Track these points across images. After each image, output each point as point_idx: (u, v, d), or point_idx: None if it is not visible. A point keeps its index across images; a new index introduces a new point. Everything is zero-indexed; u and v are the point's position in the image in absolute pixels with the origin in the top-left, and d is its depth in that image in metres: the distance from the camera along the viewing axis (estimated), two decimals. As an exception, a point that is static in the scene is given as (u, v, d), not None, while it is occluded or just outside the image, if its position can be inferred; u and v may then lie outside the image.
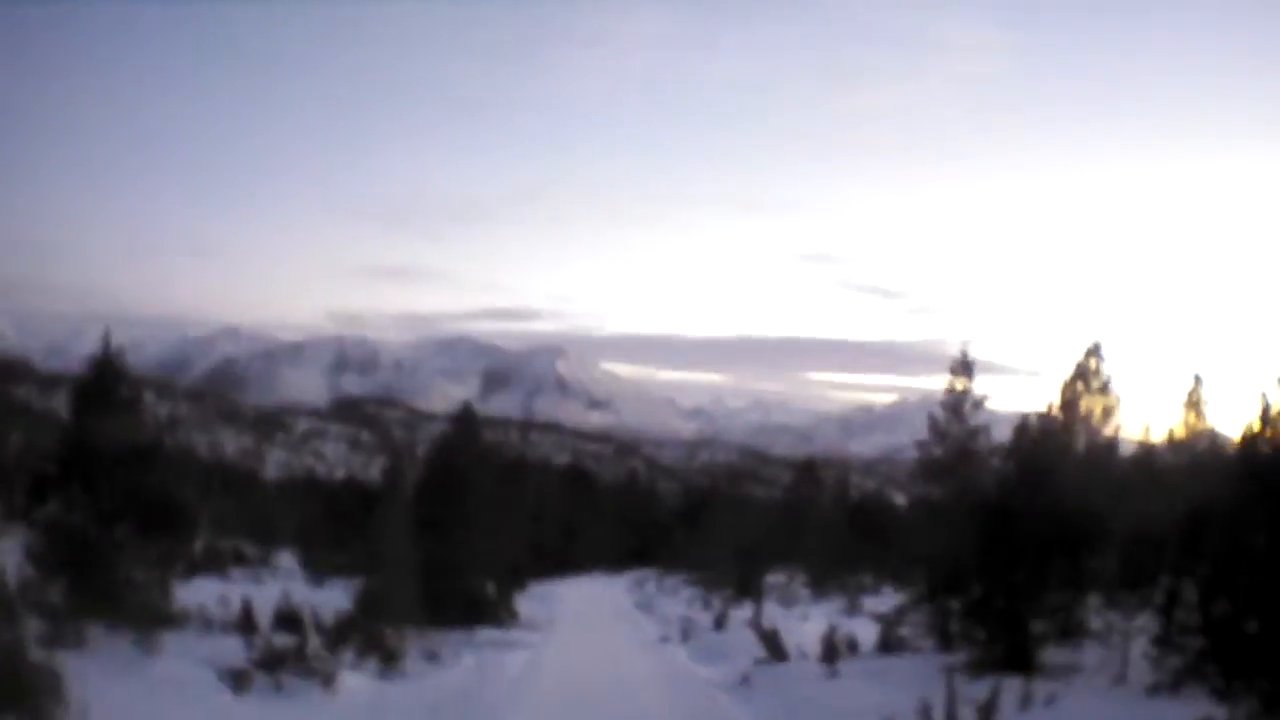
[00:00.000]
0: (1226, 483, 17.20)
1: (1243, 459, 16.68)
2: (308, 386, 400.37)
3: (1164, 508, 18.70)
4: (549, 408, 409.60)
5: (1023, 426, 27.04)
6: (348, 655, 21.07)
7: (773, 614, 35.58)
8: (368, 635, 23.24)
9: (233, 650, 19.23)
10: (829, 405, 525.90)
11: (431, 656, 23.44)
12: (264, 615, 25.61)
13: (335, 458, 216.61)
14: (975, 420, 25.15)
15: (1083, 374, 22.08)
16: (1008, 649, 19.70)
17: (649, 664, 27.06)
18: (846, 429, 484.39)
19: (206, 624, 23.28)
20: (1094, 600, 20.26)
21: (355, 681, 19.02)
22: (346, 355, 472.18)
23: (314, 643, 20.33)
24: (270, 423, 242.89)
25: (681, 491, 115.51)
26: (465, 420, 37.12)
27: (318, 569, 45.10)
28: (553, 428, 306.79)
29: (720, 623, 33.22)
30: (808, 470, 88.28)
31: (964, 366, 25.24)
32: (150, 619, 20.10)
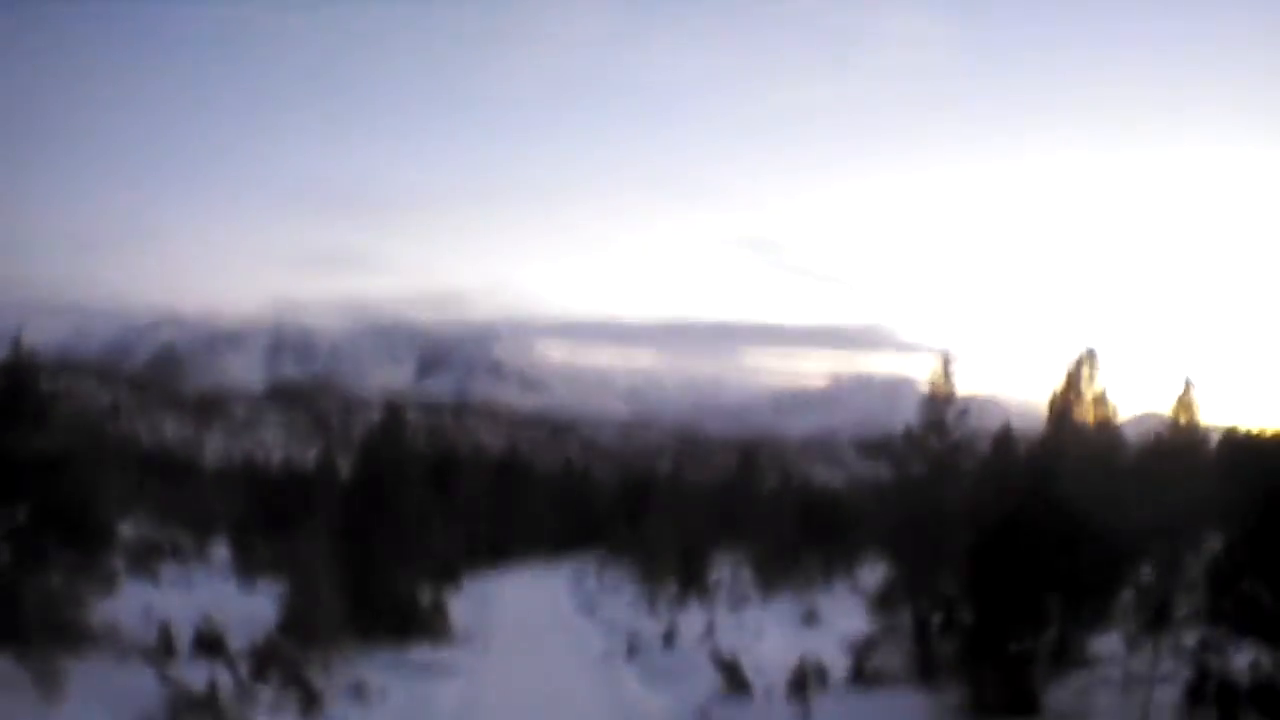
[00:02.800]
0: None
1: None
2: (247, 372, 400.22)
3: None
4: (484, 390, 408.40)
5: (1004, 439, 25.08)
6: (267, 695, 18.80)
7: (723, 624, 33.41)
8: (288, 668, 20.92)
9: (144, 691, 17.26)
10: (763, 385, 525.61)
11: (357, 692, 21.06)
12: (186, 633, 24.11)
13: (273, 442, 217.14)
14: (960, 431, 22.86)
15: (1074, 383, 19.98)
16: (1009, 690, 17.65)
17: (594, 694, 24.79)
18: (780, 409, 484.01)
19: (122, 652, 21.43)
20: (1104, 639, 18.34)
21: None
22: (285, 341, 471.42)
23: (228, 682, 18.11)
24: (210, 408, 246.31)
25: (618, 474, 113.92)
26: (393, 420, 34.68)
27: (249, 567, 44.03)
28: (487, 411, 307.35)
29: (669, 639, 30.80)
30: (748, 458, 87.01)
31: (945, 373, 22.98)
32: (62, 643, 18.84)
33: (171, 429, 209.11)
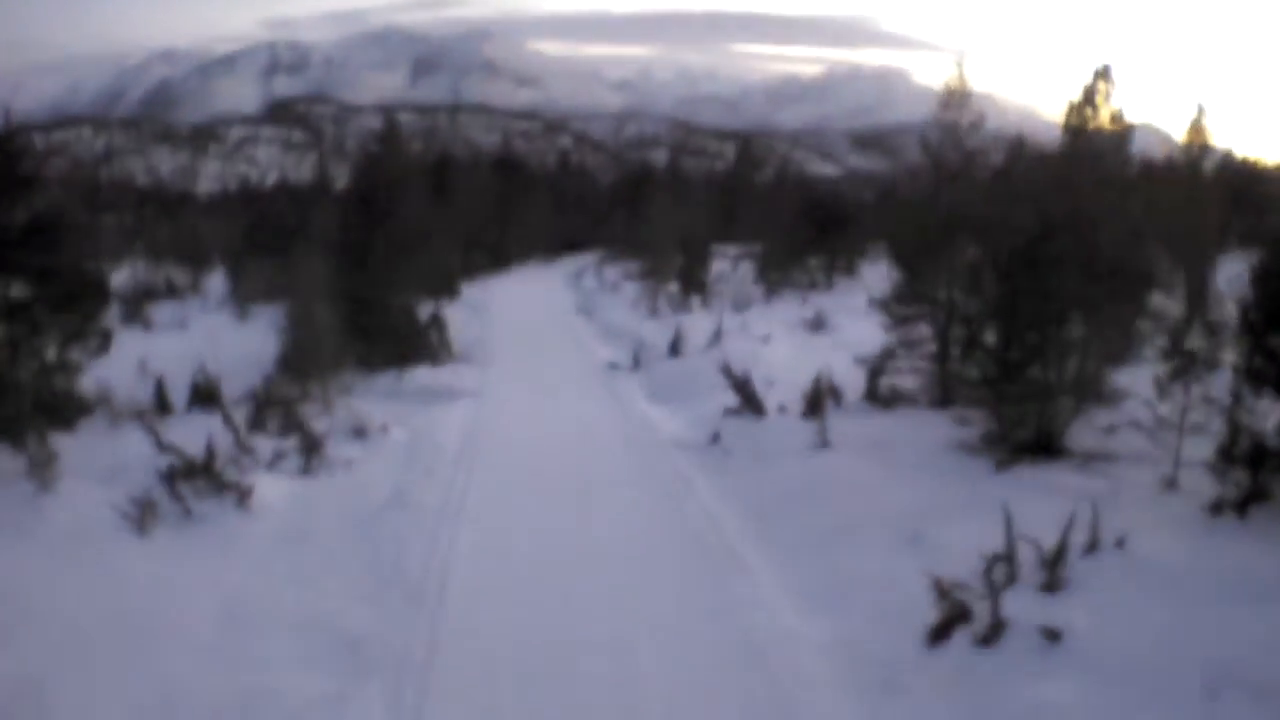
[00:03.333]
0: None
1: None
2: (242, 96, 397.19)
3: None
4: (478, 90, 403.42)
5: (1017, 145, 23.89)
6: (265, 446, 18.26)
7: (729, 327, 32.78)
8: (288, 412, 20.51)
9: (139, 462, 16.60)
10: (755, 77, 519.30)
11: (356, 432, 20.44)
12: (182, 386, 23.55)
13: (268, 162, 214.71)
14: (973, 142, 21.64)
15: (1090, 98, 18.64)
16: (1032, 426, 16.99)
17: (601, 413, 24.21)
18: (773, 100, 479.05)
19: (115, 418, 21.01)
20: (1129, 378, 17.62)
21: (273, 489, 16.08)
22: (278, 60, 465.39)
23: (225, 439, 17.53)
24: (204, 137, 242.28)
25: (613, 167, 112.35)
26: (389, 133, 33.37)
27: (245, 297, 43.41)
28: (481, 110, 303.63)
29: (676, 348, 30.18)
30: (745, 149, 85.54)
31: (961, 83, 21.64)
32: (55, 419, 18.61)
33: (166, 164, 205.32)
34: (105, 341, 20.87)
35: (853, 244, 51.91)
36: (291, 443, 18.42)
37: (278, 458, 17.78)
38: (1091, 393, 16.98)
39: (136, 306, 42.60)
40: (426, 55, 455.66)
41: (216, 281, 53.05)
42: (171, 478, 15.26)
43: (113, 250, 54.85)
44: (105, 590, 12.19)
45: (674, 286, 45.67)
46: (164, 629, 11.37)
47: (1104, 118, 18.23)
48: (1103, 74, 18.25)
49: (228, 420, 18.70)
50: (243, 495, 15.30)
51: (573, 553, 14.00)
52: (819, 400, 20.68)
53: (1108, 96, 18.33)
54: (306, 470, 17.60)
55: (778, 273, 48.42)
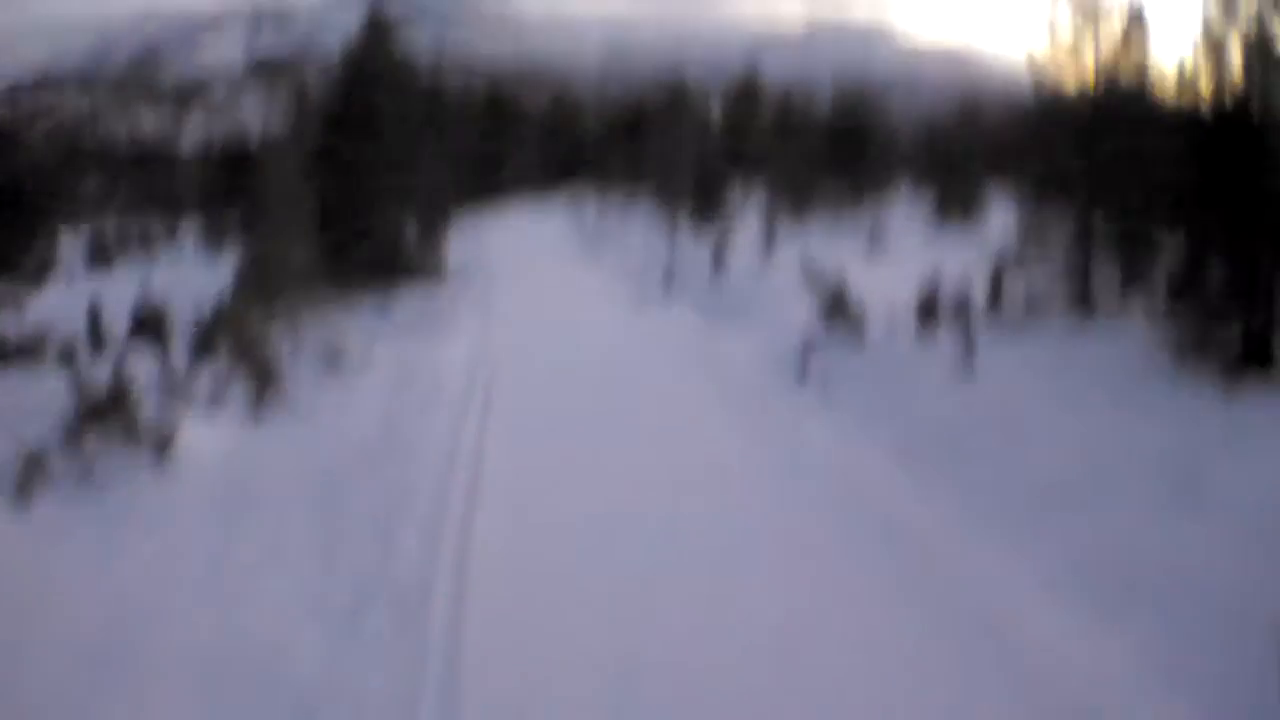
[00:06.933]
0: None
1: None
2: (228, 57, 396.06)
3: None
4: (462, 42, 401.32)
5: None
6: (204, 383, 13.44)
7: (758, 248, 27.86)
8: (240, 337, 15.43)
9: (52, 405, 12.06)
10: (738, 32, 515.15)
11: (330, 360, 15.50)
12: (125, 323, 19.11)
13: (253, 121, 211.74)
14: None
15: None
16: (1246, 335, 12.45)
17: (644, 340, 18.82)
18: (756, 57, 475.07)
19: (41, 359, 16.71)
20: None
21: (206, 440, 11.20)
22: (263, 18, 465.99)
23: (156, 372, 12.77)
24: (188, 95, 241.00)
25: (600, 117, 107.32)
26: (375, 27, 28.27)
27: (217, 238, 40.58)
28: (466, 60, 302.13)
29: (719, 263, 25.06)
30: (749, 84, 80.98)
31: None
32: None
33: (150, 124, 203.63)
34: (43, 270, 16.85)
35: (883, 167, 46.94)
36: (242, 373, 13.49)
37: (218, 396, 12.88)
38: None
39: (103, 252, 40.27)
40: (411, 8, 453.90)
41: (193, 228, 49.31)
42: (75, 427, 10.56)
43: (92, 206, 54.41)
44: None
45: (687, 219, 40.40)
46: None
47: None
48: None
49: (164, 351, 13.97)
50: (162, 444, 10.49)
51: (658, 557, 8.50)
52: (933, 310, 15.90)
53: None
54: (258, 412, 12.69)
55: (797, 197, 43.11)
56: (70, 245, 40.50)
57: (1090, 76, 17.18)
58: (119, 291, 23.74)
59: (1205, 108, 13.67)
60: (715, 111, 74.99)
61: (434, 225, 29.74)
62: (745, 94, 79.45)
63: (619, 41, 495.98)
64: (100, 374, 12.58)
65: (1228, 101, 13.17)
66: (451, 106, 62.72)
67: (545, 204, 63.15)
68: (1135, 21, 17.01)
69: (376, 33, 28.33)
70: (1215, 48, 13.46)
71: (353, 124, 25.52)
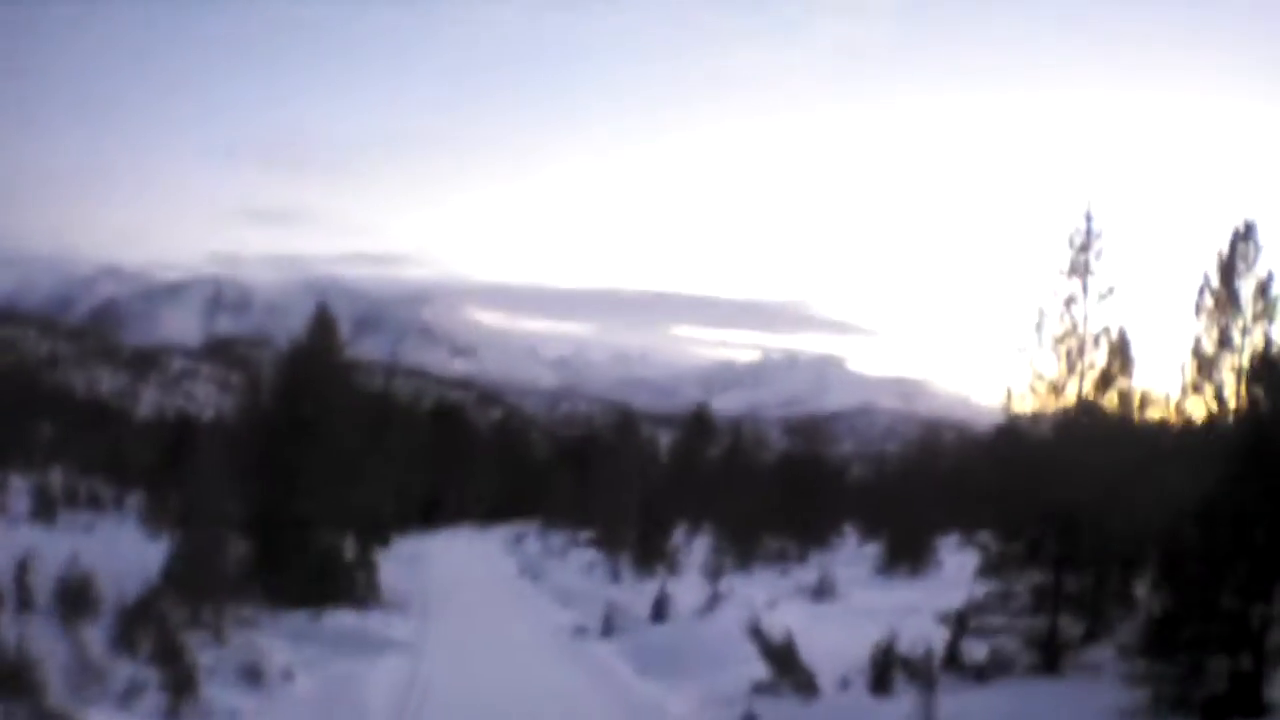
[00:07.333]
0: None
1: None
2: (185, 327, 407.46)
3: None
4: (414, 354, 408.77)
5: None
6: (125, 669, 12.48)
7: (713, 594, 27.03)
8: (161, 635, 14.48)
9: None
10: (691, 360, 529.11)
11: (250, 674, 14.47)
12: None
13: (205, 398, 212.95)
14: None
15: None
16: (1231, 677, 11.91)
17: (580, 687, 17.97)
18: (708, 385, 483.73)
19: None
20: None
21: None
22: (222, 296, 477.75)
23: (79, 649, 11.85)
24: (146, 362, 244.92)
25: (548, 441, 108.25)
26: (322, 330, 27.91)
27: (158, 517, 39.26)
28: (417, 373, 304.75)
29: (660, 612, 24.35)
30: (700, 420, 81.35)
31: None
32: None
33: (108, 382, 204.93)
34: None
35: (831, 514, 46.79)
36: (160, 668, 12.52)
37: (133, 691, 11.86)
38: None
39: (48, 505, 39.45)
40: (367, 313, 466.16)
41: (137, 502, 48.13)
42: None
43: (43, 454, 55.11)
44: None
45: (629, 555, 39.68)
46: None
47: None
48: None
49: (76, 631, 13.08)
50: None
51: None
52: (888, 670, 15.09)
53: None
54: (170, 715, 11.63)
55: (747, 544, 42.60)
56: (16, 490, 40.90)
57: (1072, 410, 16.97)
58: (55, 548, 22.80)
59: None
60: (664, 440, 75.53)
61: (371, 546, 28.85)
62: (695, 429, 79.67)
63: (571, 360, 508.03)
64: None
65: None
66: (399, 417, 62.72)
67: (489, 532, 63.05)
68: (1120, 351, 16.88)
69: (322, 333, 27.91)
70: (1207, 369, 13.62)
71: (294, 427, 24.92)
